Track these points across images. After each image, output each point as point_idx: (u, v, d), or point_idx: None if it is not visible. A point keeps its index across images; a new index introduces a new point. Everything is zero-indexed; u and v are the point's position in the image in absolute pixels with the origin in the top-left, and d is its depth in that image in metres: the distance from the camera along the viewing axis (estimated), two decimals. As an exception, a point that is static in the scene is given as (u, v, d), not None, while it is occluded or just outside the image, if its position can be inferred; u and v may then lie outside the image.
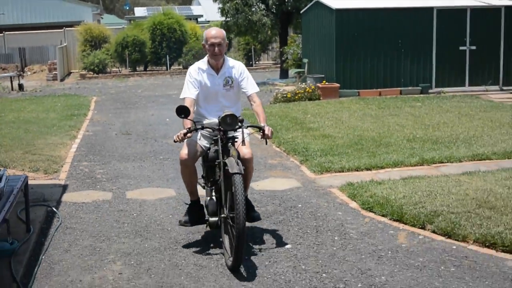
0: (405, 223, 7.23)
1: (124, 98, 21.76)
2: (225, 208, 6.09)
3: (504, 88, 19.80)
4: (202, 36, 27.22)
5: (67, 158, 11.35)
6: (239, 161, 6.03)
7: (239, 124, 6.23)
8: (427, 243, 6.63)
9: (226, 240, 6.15)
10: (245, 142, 6.26)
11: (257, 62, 36.03)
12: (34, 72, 34.82)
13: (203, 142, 6.66)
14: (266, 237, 6.95)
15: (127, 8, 64.63)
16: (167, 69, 33.51)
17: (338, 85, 18.98)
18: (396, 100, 17.73)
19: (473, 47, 19.65)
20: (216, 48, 6.56)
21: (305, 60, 22.75)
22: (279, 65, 29.26)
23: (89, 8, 46.00)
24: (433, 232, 6.91)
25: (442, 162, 10.01)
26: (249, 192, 8.89)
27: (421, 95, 18.70)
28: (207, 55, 6.80)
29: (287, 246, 6.64)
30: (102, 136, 13.80)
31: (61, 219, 7.68)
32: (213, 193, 6.55)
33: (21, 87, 25.81)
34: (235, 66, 6.90)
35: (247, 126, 6.42)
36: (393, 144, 11.37)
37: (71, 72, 34.38)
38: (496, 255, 6.21)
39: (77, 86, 27.26)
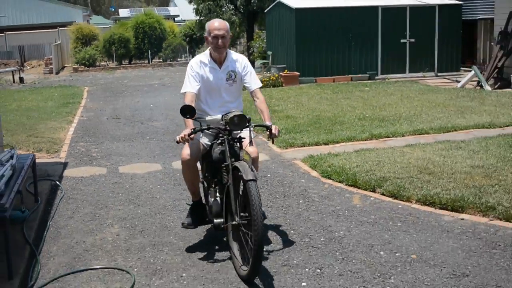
0: (359, 188, 7.33)
1: (112, 88, 21.55)
2: (235, 215, 4.93)
3: (439, 74, 20.05)
4: (179, 33, 26.63)
5: (65, 139, 11.27)
6: (252, 166, 4.96)
7: (247, 124, 5.17)
8: (377, 203, 6.76)
9: (235, 247, 5.13)
10: (252, 142, 5.26)
11: (227, 55, 35.88)
12: (33, 67, 34.30)
13: (204, 140, 5.55)
14: None
15: (113, 9, 63.77)
16: (149, 62, 33.23)
17: (298, 73, 19.02)
18: (347, 86, 17.83)
19: (412, 40, 19.83)
20: (220, 41, 5.45)
21: (269, 53, 22.73)
22: (246, 57, 29.18)
23: (80, 10, 45.39)
24: (382, 194, 7.03)
25: (388, 137, 10.11)
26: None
27: (369, 81, 18.84)
28: (209, 48, 5.66)
29: (259, 209, 6.71)
30: (95, 121, 13.70)
31: (64, 191, 7.67)
32: (217, 194, 5.42)
33: (21, 80, 25.45)
34: (238, 59, 5.75)
35: (255, 126, 5.29)
36: (346, 123, 11.48)
37: (64, 66, 33.87)
38: (435, 211, 6.38)
39: (70, 78, 26.94)
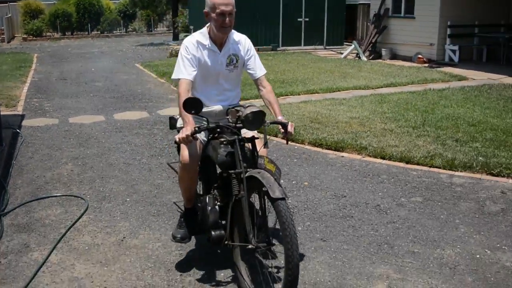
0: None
1: (58, 54, 20.82)
2: (251, 237, 3.29)
3: (327, 47, 20.49)
4: (114, 9, 25.57)
5: (21, 96, 10.95)
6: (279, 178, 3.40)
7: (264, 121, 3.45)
8: (278, 145, 7.00)
9: (243, 269, 3.56)
10: (268, 144, 3.57)
11: (155, 29, 35.22)
12: (-14, 36, 32.62)
13: (201, 136, 3.82)
14: (173, 143, 7.05)
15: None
16: (89, 34, 32.15)
17: (215, 45, 19.03)
18: (255, 55, 18.02)
19: (307, 19, 20.13)
20: (228, 19, 3.74)
21: (191, 27, 22.64)
22: (171, 31, 28.80)
23: (27, -12, 43.17)
24: (282, 138, 7.28)
25: (287, 95, 10.40)
26: (156, 117, 9.05)
27: (272, 52, 19.05)
28: (207, 26, 3.92)
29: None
30: (45, 81, 13.31)
31: (24, 137, 7.57)
32: (217, 202, 3.72)
33: (-23, 46, 24.23)
34: (241, 41, 4.01)
35: (270, 123, 3.50)
36: (253, 83, 11.63)
37: (15, 36, 32.18)
38: (322, 151, 6.73)
39: (21, 46, 25.73)
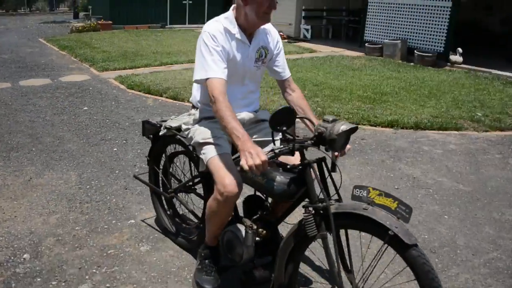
0: (152, 94, 7.62)
1: (-36, 30, 19.02)
2: None
3: (208, 25, 20.52)
4: None
5: None
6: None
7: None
8: (163, 102, 7.12)
9: None
10: (337, 167, 2.14)
11: (57, 8, 32.99)
12: None
13: (226, 147, 2.50)
14: (73, 103, 7.00)
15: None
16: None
17: (111, 22, 18.30)
18: (146, 32, 17.53)
19: (190, 2, 19.95)
20: (276, 2, 2.40)
21: (90, 7, 21.55)
22: (72, 11, 27.18)
23: None
24: (167, 97, 7.40)
25: (172, 64, 10.39)
26: (58, 83, 8.79)
27: (161, 29, 18.66)
28: (233, 8, 2.49)
29: (84, 108, 6.78)
30: (-48, 53, 12.25)
31: None
32: (256, 237, 2.45)
33: None
34: (270, 30, 2.60)
35: None
36: (144, 55, 11.54)
37: None
38: (198, 107, 6.98)
39: None
